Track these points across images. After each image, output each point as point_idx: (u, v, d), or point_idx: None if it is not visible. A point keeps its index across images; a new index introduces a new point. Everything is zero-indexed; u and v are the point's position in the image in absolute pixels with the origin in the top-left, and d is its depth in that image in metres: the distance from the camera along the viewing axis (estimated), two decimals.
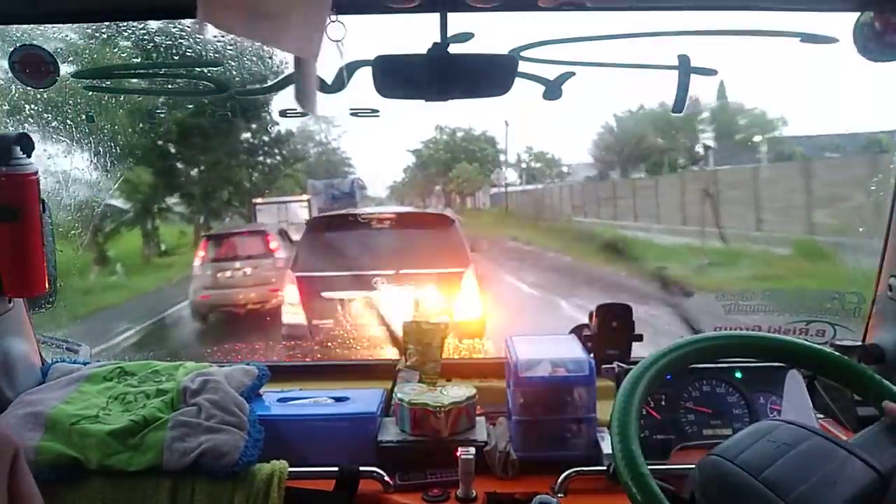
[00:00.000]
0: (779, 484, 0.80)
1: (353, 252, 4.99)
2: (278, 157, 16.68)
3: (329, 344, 4.44)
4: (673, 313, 3.57)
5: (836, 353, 1.05)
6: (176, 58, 1.52)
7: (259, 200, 14.56)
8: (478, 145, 25.41)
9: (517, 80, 1.34)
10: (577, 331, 1.63)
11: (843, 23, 1.32)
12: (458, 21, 1.30)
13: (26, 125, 1.60)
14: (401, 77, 1.32)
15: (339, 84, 1.38)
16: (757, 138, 20.66)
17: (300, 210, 13.62)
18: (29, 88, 1.45)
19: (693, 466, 0.92)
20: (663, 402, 1.48)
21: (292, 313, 5.02)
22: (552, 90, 1.44)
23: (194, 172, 14.74)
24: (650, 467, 0.88)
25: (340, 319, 4.69)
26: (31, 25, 1.41)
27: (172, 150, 13.54)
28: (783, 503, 0.78)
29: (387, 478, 1.33)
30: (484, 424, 1.47)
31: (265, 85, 1.47)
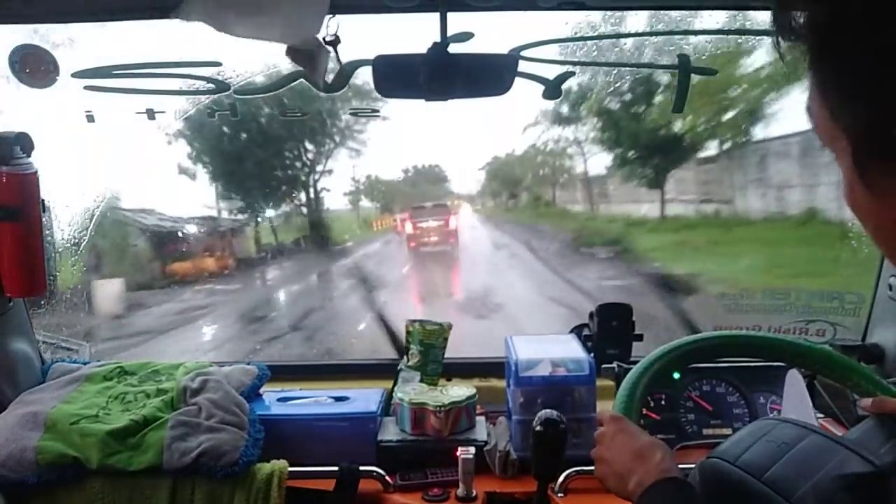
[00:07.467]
0: (781, 484, 0.79)
1: (426, 213, 13.56)
2: None
3: (420, 239, 13.23)
4: None
5: (836, 353, 1.05)
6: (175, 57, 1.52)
7: None
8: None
9: None
10: (577, 331, 1.63)
11: None
12: (458, 21, 1.30)
13: None
14: (401, 77, 1.32)
15: (339, 84, 1.38)
16: None
17: None
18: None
19: (693, 466, 0.92)
20: (663, 402, 1.48)
21: (408, 231, 13.45)
22: (552, 90, 1.44)
23: None
24: None
25: (422, 233, 13.20)
26: None
27: None
28: (787, 503, 0.77)
29: (387, 477, 1.33)
30: (484, 424, 1.47)
31: (265, 85, 1.47)
